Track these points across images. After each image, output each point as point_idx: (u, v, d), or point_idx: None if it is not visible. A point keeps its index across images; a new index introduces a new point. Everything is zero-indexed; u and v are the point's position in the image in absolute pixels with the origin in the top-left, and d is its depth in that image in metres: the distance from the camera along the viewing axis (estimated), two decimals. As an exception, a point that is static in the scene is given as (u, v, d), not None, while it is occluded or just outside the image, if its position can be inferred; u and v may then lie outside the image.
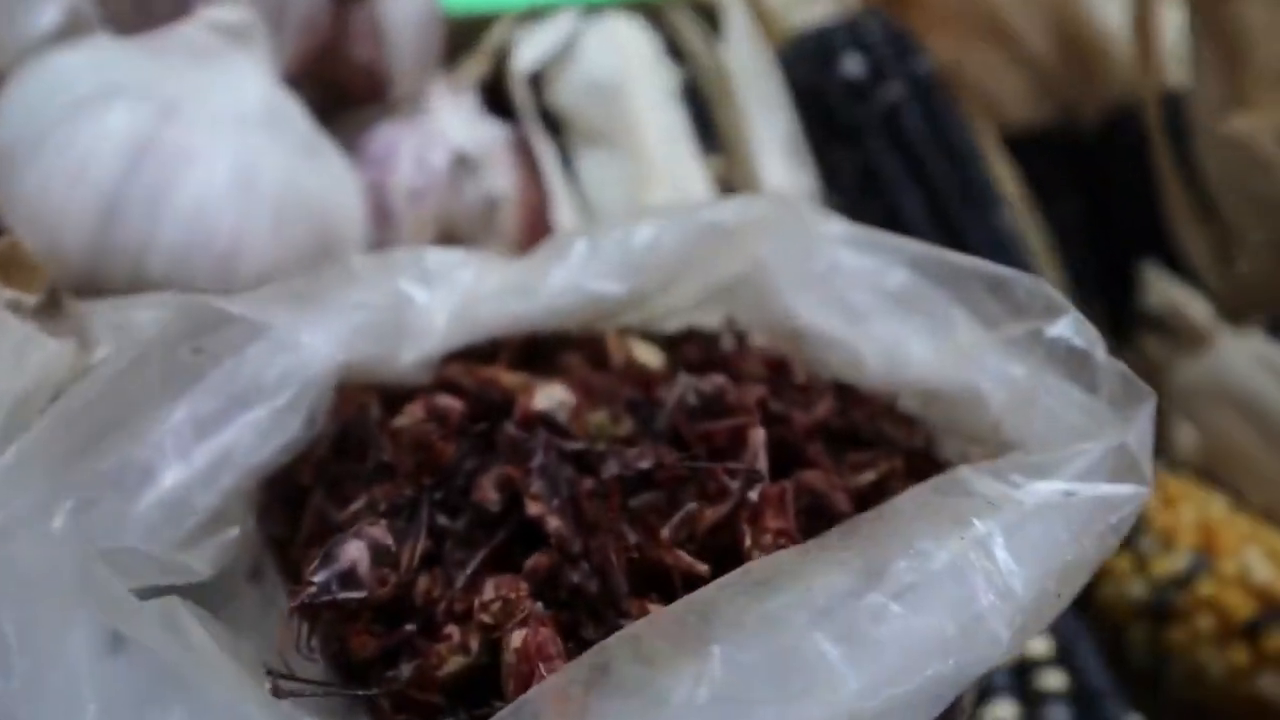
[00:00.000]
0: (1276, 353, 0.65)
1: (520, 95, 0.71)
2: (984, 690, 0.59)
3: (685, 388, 0.40)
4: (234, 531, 0.37)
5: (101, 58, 0.47)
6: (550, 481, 0.36)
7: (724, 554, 0.35)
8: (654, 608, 0.32)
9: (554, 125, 0.72)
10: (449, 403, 0.40)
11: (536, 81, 0.73)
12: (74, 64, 0.46)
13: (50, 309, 0.36)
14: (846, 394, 0.43)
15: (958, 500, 0.33)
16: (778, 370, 0.44)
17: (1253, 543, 0.62)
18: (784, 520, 0.35)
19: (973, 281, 0.39)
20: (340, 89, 0.65)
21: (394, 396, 0.41)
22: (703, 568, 0.34)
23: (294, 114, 0.51)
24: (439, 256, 0.44)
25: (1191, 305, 0.70)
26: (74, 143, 0.44)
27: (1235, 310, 0.72)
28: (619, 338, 0.45)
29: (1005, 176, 0.79)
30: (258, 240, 0.46)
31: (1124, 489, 0.34)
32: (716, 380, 0.41)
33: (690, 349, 0.46)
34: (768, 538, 0.35)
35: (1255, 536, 0.62)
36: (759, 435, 0.38)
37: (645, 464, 0.37)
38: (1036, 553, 0.32)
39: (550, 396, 0.40)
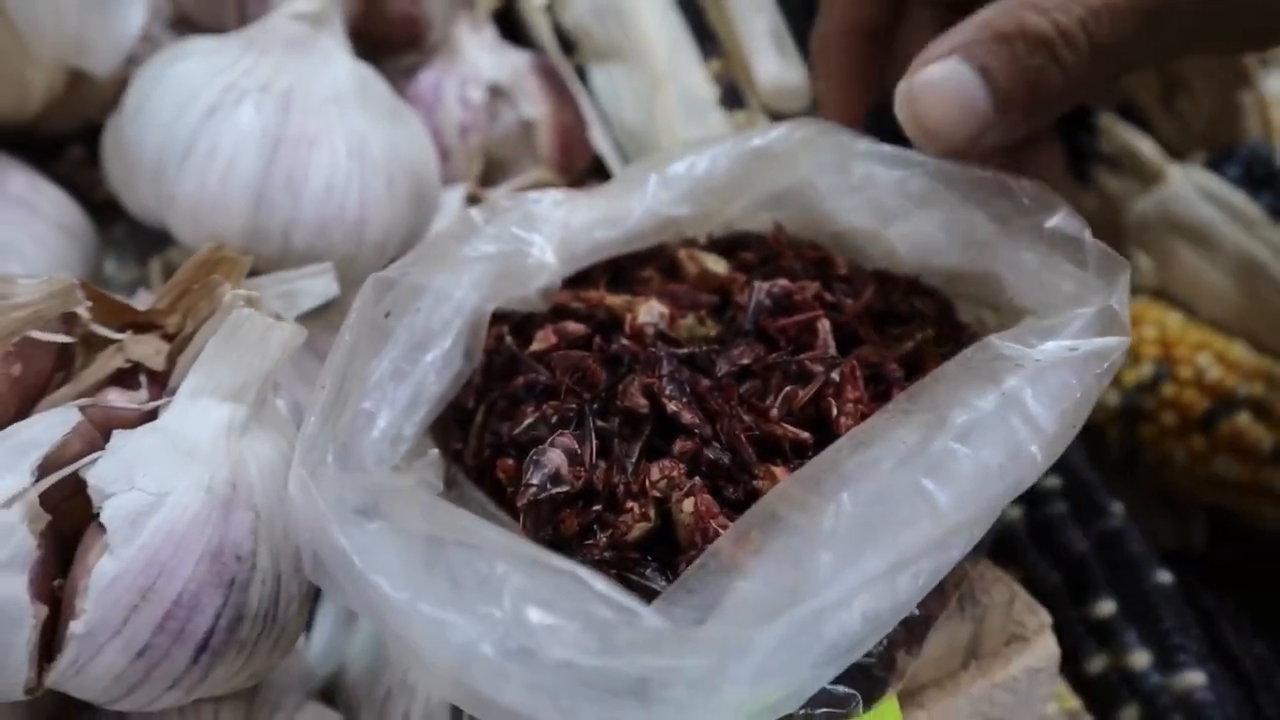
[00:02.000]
0: (1216, 183, 0.76)
1: (538, 22, 0.77)
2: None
3: (758, 291, 0.50)
4: (434, 452, 0.46)
5: (215, 63, 0.53)
6: (678, 384, 0.45)
7: (816, 424, 0.45)
8: (777, 470, 0.43)
9: (567, 46, 0.79)
10: (573, 327, 0.49)
11: (549, 7, 0.79)
12: (193, 72, 0.53)
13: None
14: (882, 279, 0.53)
15: (991, 363, 0.43)
16: (823, 265, 0.53)
17: (1205, 350, 0.74)
18: (858, 391, 0.45)
19: (983, 186, 0.48)
20: (381, 40, 0.71)
21: (520, 325, 0.50)
22: (806, 435, 0.44)
23: (377, 83, 0.58)
24: (538, 200, 0.52)
25: (1141, 145, 0.80)
26: (219, 145, 0.51)
27: (1178, 148, 0.82)
28: (689, 251, 0.54)
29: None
30: (378, 204, 0.54)
31: (1112, 341, 0.43)
32: (782, 283, 0.50)
33: (747, 254, 0.55)
34: (850, 406, 0.45)
35: (1207, 344, 0.74)
36: (826, 325, 0.48)
37: (746, 360, 0.46)
38: (1054, 397, 0.41)
39: (650, 311, 0.49)
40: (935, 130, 0.46)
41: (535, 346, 0.49)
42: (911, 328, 0.51)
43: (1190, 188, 0.76)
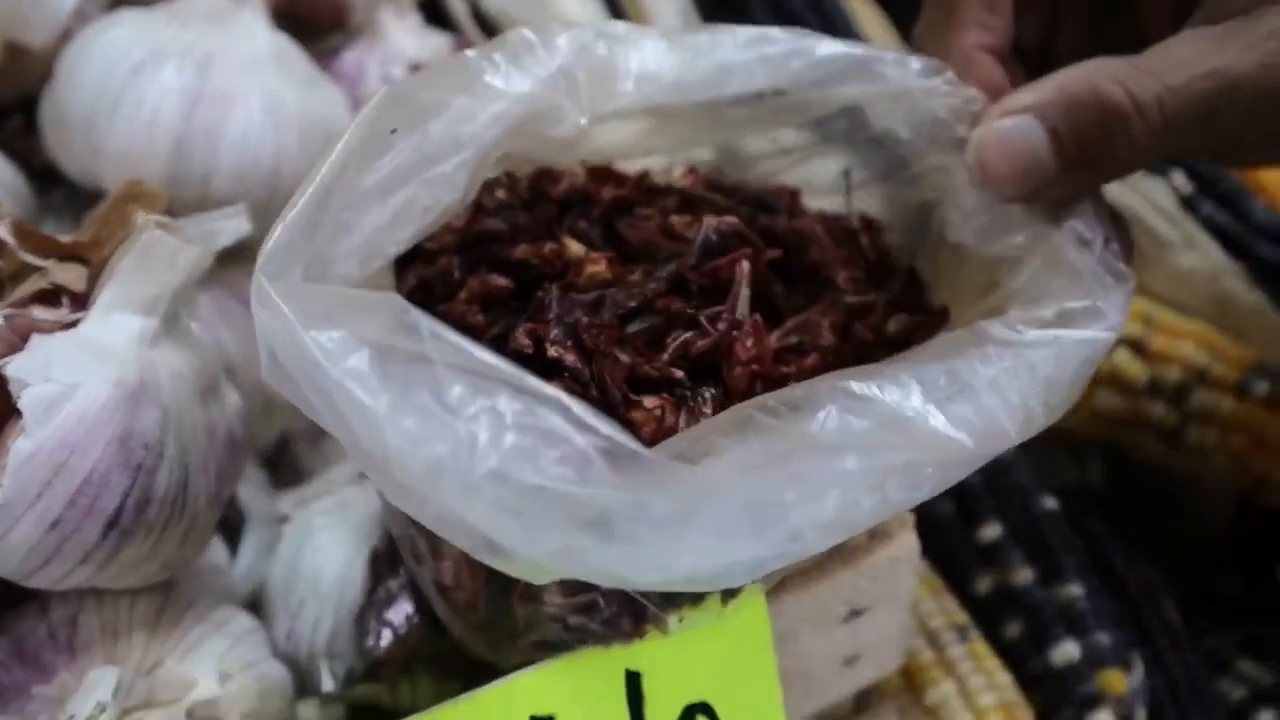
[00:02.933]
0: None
1: (458, 8, 0.83)
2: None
3: (707, 228, 0.50)
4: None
5: (141, 30, 0.59)
6: (565, 327, 0.49)
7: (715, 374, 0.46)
8: (648, 401, 0.44)
9: (489, 30, 0.84)
10: (500, 283, 0.51)
11: (468, -8, 0.84)
12: (121, 38, 0.58)
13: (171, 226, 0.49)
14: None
15: (979, 342, 0.44)
16: (849, 236, 0.55)
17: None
18: (760, 349, 0.46)
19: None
20: (307, 21, 0.76)
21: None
22: (679, 374, 0.45)
23: (294, 53, 0.63)
24: (590, 43, 0.48)
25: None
26: (143, 101, 0.56)
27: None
28: (681, 219, 0.53)
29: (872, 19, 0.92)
30: (292, 156, 0.59)
31: (1097, 333, 0.44)
32: (730, 221, 0.51)
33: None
34: (742, 368, 0.45)
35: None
36: (743, 270, 0.48)
37: (633, 302, 0.49)
38: (1033, 375, 0.43)
39: (593, 274, 0.52)
40: (998, 180, 0.48)
41: (462, 297, 0.50)
42: (884, 304, 0.52)
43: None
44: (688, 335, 0.48)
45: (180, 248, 0.47)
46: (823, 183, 0.61)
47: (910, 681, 0.66)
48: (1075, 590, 0.69)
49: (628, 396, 0.45)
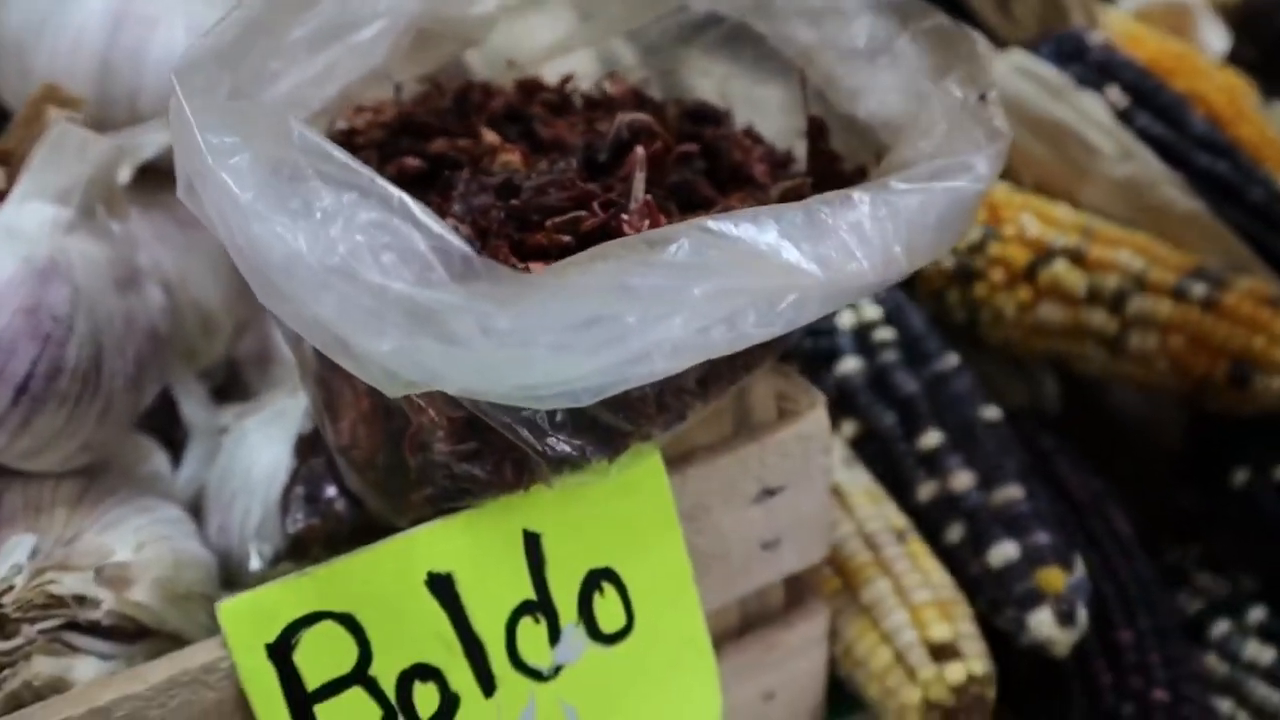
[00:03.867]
0: (1030, 60, 0.82)
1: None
2: (831, 353, 0.77)
3: (620, 123, 0.52)
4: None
5: (72, -40, 0.62)
6: (466, 205, 0.51)
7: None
8: (535, 266, 0.46)
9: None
10: (414, 164, 0.54)
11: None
12: (52, -34, 0.61)
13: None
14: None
15: (847, 194, 0.44)
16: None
17: (1026, 210, 0.79)
18: (652, 228, 0.47)
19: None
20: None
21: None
22: (566, 239, 0.48)
23: (223, -17, 0.66)
24: None
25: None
26: (67, 24, 0.59)
27: (1008, 44, 0.89)
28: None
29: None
30: (218, 78, 0.62)
31: (964, 183, 0.46)
32: (643, 117, 0.53)
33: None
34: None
35: (1028, 205, 0.80)
36: (638, 155, 0.50)
37: (534, 182, 0.52)
38: (895, 219, 0.44)
39: (506, 161, 0.54)
40: None
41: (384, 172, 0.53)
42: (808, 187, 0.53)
43: (1008, 67, 0.82)
44: (579, 213, 0.49)
45: (90, 138, 0.50)
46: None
47: (847, 581, 0.67)
48: (1014, 492, 0.70)
49: (509, 261, 0.47)
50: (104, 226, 0.53)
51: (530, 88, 0.62)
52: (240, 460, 0.59)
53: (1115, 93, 0.80)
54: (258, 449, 0.59)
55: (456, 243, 0.36)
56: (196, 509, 0.61)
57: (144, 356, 0.52)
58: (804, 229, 0.43)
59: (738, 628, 0.60)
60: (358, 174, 0.37)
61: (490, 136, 0.56)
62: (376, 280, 0.36)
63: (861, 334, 0.77)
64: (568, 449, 0.45)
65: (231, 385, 0.71)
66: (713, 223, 0.42)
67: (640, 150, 0.52)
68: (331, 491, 0.53)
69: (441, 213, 0.49)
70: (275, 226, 0.37)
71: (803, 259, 0.42)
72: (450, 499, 0.47)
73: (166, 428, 0.65)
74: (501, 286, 0.36)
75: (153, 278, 0.59)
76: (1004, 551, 0.68)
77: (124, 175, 0.59)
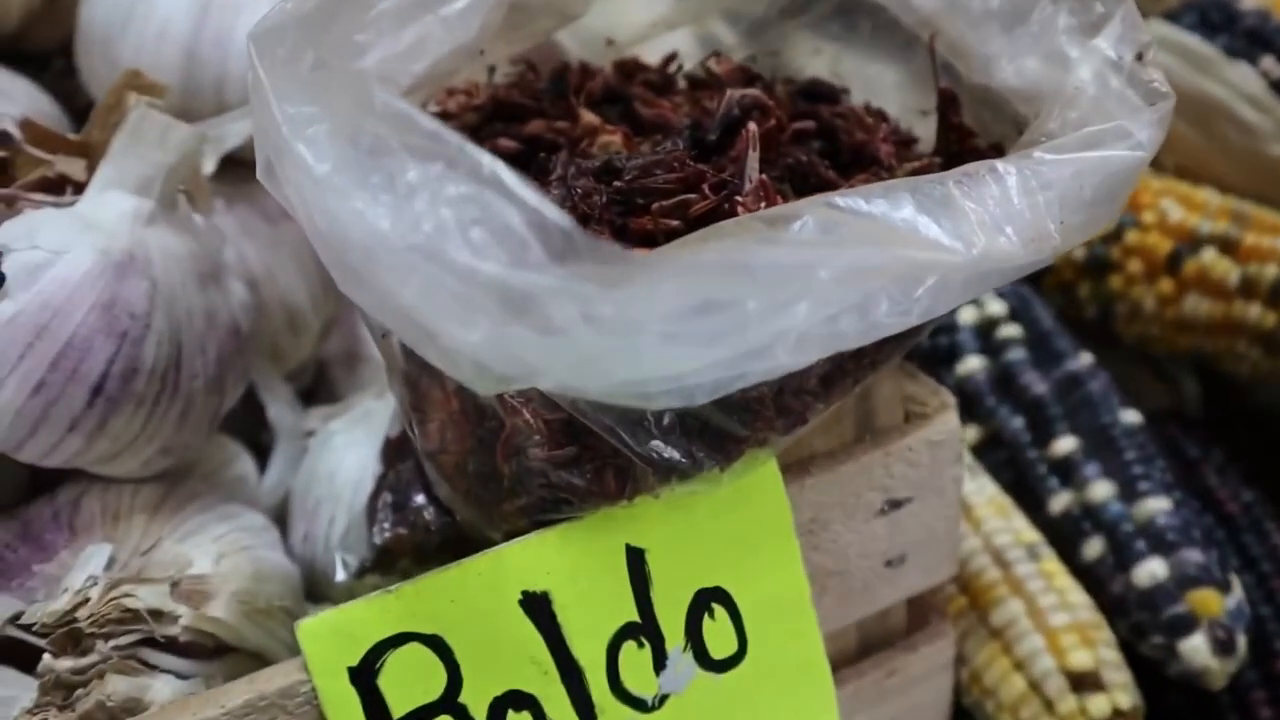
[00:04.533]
0: (1171, 30, 0.75)
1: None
2: (951, 352, 0.71)
3: (730, 99, 0.48)
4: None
5: (156, -53, 0.60)
6: (565, 189, 0.47)
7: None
8: (640, 251, 0.43)
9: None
10: (509, 145, 0.50)
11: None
12: (137, -45, 0.59)
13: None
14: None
15: (992, 166, 0.40)
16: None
17: (1166, 195, 0.73)
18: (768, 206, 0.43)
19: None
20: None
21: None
22: (674, 223, 0.44)
23: (311, -31, 0.63)
24: None
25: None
26: (153, 12, 0.57)
27: (1147, 14, 0.82)
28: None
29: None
30: (304, 65, 0.59)
31: (1120, 151, 0.41)
32: (753, 93, 0.49)
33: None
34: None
35: (1168, 190, 0.73)
36: (751, 132, 0.46)
37: (637, 163, 0.47)
38: (1046, 191, 0.39)
39: (606, 143, 0.50)
40: None
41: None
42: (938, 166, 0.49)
43: (1147, 41, 0.75)
44: (688, 195, 0.45)
45: (170, 124, 0.47)
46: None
47: (974, 601, 0.61)
48: (1161, 504, 0.63)
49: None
50: (186, 218, 0.50)
51: (629, 68, 0.59)
52: (325, 465, 0.56)
53: (1270, 62, 0.73)
54: (343, 453, 0.56)
55: (555, 216, 0.32)
56: (283, 516, 0.58)
57: (226, 355, 0.50)
58: (944, 204, 0.38)
59: (856, 651, 0.55)
60: (446, 143, 0.33)
61: (589, 117, 0.52)
62: (465, 261, 0.32)
63: (984, 331, 0.71)
64: (676, 455, 0.41)
65: (319, 386, 0.69)
66: (840, 198, 0.37)
67: (753, 126, 0.47)
68: (420, 499, 0.50)
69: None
70: (354, 202, 0.33)
71: (944, 235, 0.37)
72: (547, 510, 0.43)
73: (253, 430, 0.62)
74: (605, 267, 0.32)
75: (237, 273, 0.56)
76: (1150, 570, 0.61)
77: (208, 166, 0.56)
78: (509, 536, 0.44)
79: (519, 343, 0.33)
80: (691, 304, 0.33)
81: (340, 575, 0.52)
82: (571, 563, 0.43)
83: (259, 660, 0.47)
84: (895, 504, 0.51)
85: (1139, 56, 0.45)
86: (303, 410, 0.63)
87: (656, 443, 0.40)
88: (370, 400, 0.60)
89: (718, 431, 0.41)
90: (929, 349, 0.71)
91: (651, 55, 0.60)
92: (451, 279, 0.32)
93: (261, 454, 0.61)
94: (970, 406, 0.69)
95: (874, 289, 0.36)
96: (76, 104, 0.68)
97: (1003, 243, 0.38)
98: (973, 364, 0.70)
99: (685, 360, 0.33)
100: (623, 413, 0.39)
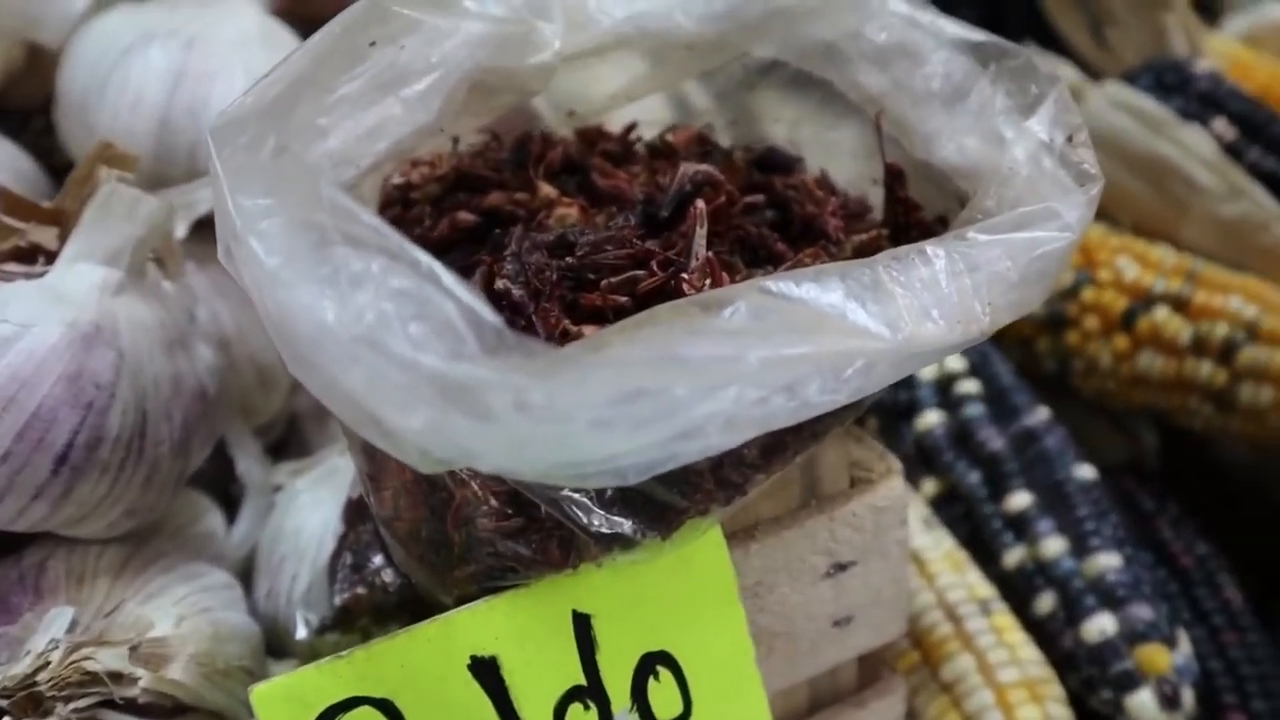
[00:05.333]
0: (1128, 93, 0.77)
1: None
2: (910, 406, 0.73)
3: (683, 175, 0.50)
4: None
5: (133, 16, 0.62)
6: (519, 264, 0.49)
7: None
8: (587, 329, 0.43)
9: None
10: (467, 218, 0.52)
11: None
12: (115, 24, 0.61)
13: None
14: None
15: (921, 248, 0.42)
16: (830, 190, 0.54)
17: (1123, 253, 0.74)
18: (714, 286, 0.44)
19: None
20: (316, 21, 0.78)
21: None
22: (622, 299, 0.45)
23: (283, 34, 0.65)
24: None
25: (1062, 70, 0.82)
26: (129, 80, 0.59)
27: (1105, 75, 0.84)
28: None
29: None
30: (276, 131, 0.61)
31: (1049, 233, 0.42)
32: (705, 169, 0.50)
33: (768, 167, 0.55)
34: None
35: (1125, 248, 0.75)
36: (699, 209, 0.47)
37: (590, 238, 0.49)
38: (975, 273, 0.41)
39: (562, 216, 0.52)
40: None
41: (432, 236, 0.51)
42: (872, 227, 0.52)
43: (1105, 100, 0.77)
44: (636, 272, 0.47)
45: (139, 198, 0.49)
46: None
47: (926, 656, 0.63)
48: (1111, 560, 0.64)
49: (563, 327, 0.44)
50: (155, 286, 0.52)
51: (591, 137, 0.60)
52: (291, 522, 0.58)
53: (1222, 125, 0.75)
54: (307, 511, 0.58)
55: (487, 314, 0.34)
56: (250, 569, 0.59)
57: (192, 419, 0.51)
58: (872, 288, 0.39)
59: (807, 708, 0.56)
60: (386, 238, 0.35)
61: (547, 189, 0.54)
62: (406, 353, 0.33)
63: (944, 386, 0.73)
64: (618, 528, 0.42)
65: (291, 440, 0.70)
66: (772, 283, 0.39)
67: (701, 205, 0.49)
68: (379, 561, 0.51)
69: (494, 272, 0.47)
70: (302, 295, 0.35)
71: (871, 321, 0.38)
72: (495, 577, 0.44)
73: (223, 483, 0.64)
74: (536, 360, 0.34)
75: (206, 334, 0.58)
76: (1100, 626, 0.63)
77: (180, 231, 0.58)
78: (460, 601, 0.45)
79: (456, 430, 0.34)
80: (621, 392, 0.34)
81: (301, 633, 0.53)
82: (519, 628, 0.45)
83: (220, 719, 0.48)
84: (840, 567, 0.52)
85: (1070, 139, 0.47)
86: (271, 465, 0.64)
87: (598, 516, 0.41)
88: (337, 457, 0.62)
89: (658, 504, 0.43)
90: (888, 404, 0.72)
91: (617, 124, 0.62)
92: (393, 369, 0.34)
93: (232, 506, 0.63)
94: (929, 461, 0.71)
95: (803, 372, 0.37)
96: (56, 162, 0.70)
97: (930, 327, 0.40)
98: (932, 419, 0.71)
99: (615, 444, 0.35)
100: (564, 488, 0.41)
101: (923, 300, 0.41)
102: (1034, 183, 0.47)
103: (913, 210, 0.53)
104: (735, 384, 0.36)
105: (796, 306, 0.39)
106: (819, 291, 0.39)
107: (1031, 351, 0.77)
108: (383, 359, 0.34)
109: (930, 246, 0.42)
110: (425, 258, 0.34)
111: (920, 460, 0.71)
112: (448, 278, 0.34)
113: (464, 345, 0.33)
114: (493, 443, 0.35)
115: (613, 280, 0.46)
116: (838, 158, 0.60)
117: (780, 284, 0.39)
